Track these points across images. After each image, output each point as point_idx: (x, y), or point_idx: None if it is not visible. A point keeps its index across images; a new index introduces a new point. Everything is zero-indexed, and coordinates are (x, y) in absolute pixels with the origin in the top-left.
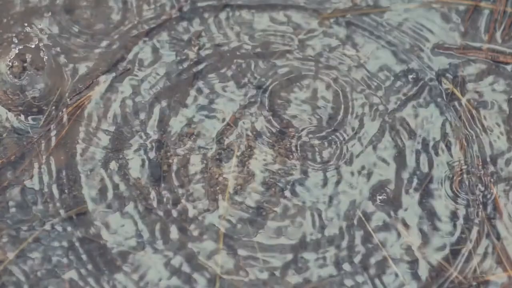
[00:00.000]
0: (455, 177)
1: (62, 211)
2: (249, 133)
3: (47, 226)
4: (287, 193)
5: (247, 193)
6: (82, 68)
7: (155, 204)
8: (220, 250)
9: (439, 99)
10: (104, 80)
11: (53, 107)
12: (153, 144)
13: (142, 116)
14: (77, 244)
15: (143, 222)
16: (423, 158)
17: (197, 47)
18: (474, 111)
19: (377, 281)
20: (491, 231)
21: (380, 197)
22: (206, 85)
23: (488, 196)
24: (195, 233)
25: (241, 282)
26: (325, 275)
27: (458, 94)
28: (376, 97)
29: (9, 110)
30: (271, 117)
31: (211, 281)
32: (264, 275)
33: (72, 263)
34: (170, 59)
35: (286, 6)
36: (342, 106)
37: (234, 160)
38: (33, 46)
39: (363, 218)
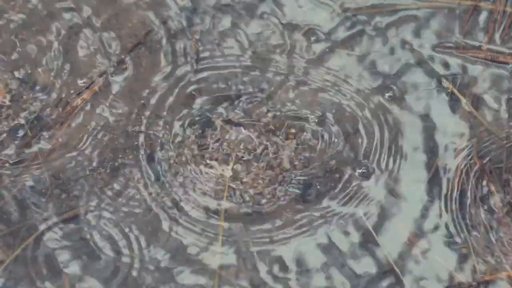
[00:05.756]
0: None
1: (62, 211)
2: (249, 133)
3: (47, 226)
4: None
5: (247, 193)
6: (82, 68)
7: (154, 202)
8: (219, 247)
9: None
10: (104, 80)
11: (53, 107)
12: (154, 143)
13: (142, 116)
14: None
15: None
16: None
17: (196, 46)
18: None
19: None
20: (491, 231)
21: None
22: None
23: (487, 194)
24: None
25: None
26: None
27: (458, 94)
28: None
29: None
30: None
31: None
32: None
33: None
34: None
35: None
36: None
37: (233, 160)
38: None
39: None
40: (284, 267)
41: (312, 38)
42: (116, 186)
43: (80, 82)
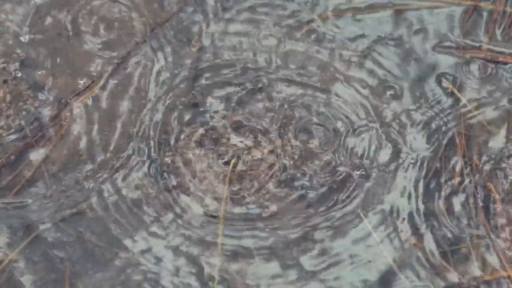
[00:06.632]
0: (455, 178)
1: (61, 211)
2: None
3: (47, 226)
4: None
5: (247, 193)
6: (82, 69)
7: (154, 200)
8: (219, 251)
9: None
10: (104, 81)
11: (53, 107)
12: (154, 144)
13: (141, 116)
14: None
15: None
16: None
17: (197, 47)
18: (474, 111)
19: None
20: (491, 231)
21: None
22: (207, 85)
23: (487, 194)
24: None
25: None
26: None
27: (457, 94)
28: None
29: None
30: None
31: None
32: None
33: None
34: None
35: None
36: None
37: (233, 161)
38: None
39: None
40: None
41: (313, 36)
42: (116, 186)
43: (80, 82)
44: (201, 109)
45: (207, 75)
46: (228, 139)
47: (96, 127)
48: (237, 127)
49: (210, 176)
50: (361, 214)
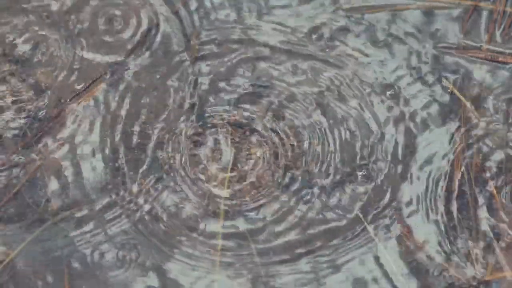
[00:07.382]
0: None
1: (61, 210)
2: (247, 133)
3: (47, 226)
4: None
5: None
6: (82, 69)
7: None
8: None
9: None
10: (104, 81)
11: (52, 107)
12: (153, 144)
13: (141, 116)
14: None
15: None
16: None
17: (197, 47)
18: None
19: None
20: (491, 231)
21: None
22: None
23: (487, 195)
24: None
25: None
26: None
27: (458, 94)
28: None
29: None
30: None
31: None
32: None
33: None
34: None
35: None
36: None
37: (231, 161)
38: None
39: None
40: None
41: (314, 36)
42: (116, 187)
43: (78, 84)
44: (201, 109)
45: (207, 73)
46: (228, 137)
47: (95, 127)
48: (237, 126)
49: (210, 177)
50: (360, 216)
